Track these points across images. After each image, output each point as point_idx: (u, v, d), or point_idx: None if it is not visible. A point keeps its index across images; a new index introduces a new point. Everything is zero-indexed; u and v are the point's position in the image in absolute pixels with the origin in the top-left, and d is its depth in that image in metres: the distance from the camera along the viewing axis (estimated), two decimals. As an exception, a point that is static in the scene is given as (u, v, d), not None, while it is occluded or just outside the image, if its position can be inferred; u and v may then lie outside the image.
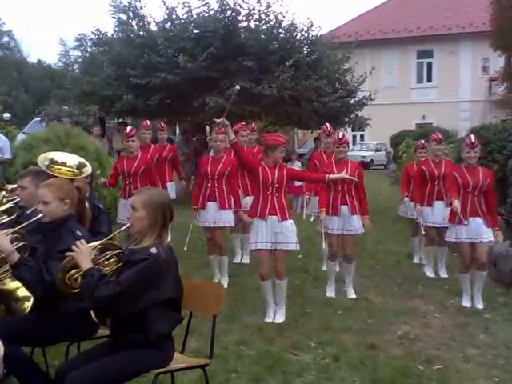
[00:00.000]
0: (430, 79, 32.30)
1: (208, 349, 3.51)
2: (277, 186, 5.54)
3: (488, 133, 8.99)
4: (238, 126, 7.29)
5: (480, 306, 6.06)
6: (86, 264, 3.10)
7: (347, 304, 6.13)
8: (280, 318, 5.56)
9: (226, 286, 6.66)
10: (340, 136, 6.37)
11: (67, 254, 3.17)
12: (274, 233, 5.50)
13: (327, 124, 7.46)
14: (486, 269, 6.13)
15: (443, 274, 7.42)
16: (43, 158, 4.27)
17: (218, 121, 5.60)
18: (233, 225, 7.09)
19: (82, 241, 3.19)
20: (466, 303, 6.10)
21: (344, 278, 6.51)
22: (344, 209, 6.26)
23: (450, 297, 6.41)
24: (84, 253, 3.12)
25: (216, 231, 6.77)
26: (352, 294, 6.41)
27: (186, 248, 5.60)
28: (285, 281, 5.63)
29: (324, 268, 7.46)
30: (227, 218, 6.76)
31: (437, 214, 7.23)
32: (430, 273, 7.39)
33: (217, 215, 6.68)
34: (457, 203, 5.79)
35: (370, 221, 6.41)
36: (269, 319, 5.58)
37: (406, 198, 7.66)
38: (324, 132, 7.46)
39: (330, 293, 6.45)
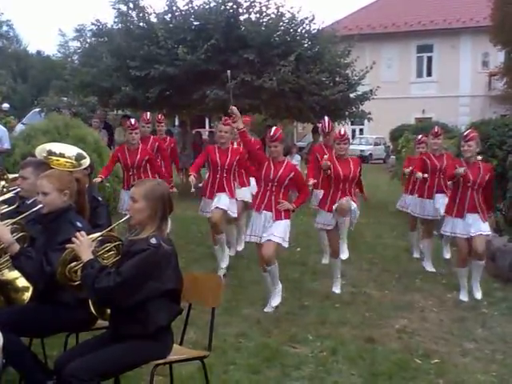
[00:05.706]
0: (429, 74, 32.24)
1: (206, 341, 3.52)
2: (276, 183, 5.52)
3: (488, 128, 8.96)
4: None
5: (479, 295, 6.06)
6: (86, 256, 3.10)
7: (345, 297, 6.13)
8: (275, 301, 5.55)
9: (224, 265, 6.77)
10: (342, 132, 6.14)
11: (67, 246, 3.16)
12: (266, 227, 5.51)
13: (326, 119, 7.35)
14: (483, 259, 6.10)
15: (447, 254, 7.52)
16: (41, 150, 4.24)
17: (232, 109, 5.60)
18: (235, 216, 7.00)
19: (83, 233, 3.18)
20: (464, 297, 6.10)
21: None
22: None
23: (448, 291, 6.42)
24: (84, 244, 3.12)
25: (217, 213, 6.65)
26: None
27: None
28: (273, 266, 5.51)
29: (324, 261, 7.45)
30: (233, 208, 6.75)
31: (437, 207, 7.18)
32: (430, 267, 7.33)
33: (224, 203, 6.63)
34: (461, 169, 5.79)
35: (368, 215, 6.42)
36: (268, 309, 5.59)
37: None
38: (322, 131, 7.46)
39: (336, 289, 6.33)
